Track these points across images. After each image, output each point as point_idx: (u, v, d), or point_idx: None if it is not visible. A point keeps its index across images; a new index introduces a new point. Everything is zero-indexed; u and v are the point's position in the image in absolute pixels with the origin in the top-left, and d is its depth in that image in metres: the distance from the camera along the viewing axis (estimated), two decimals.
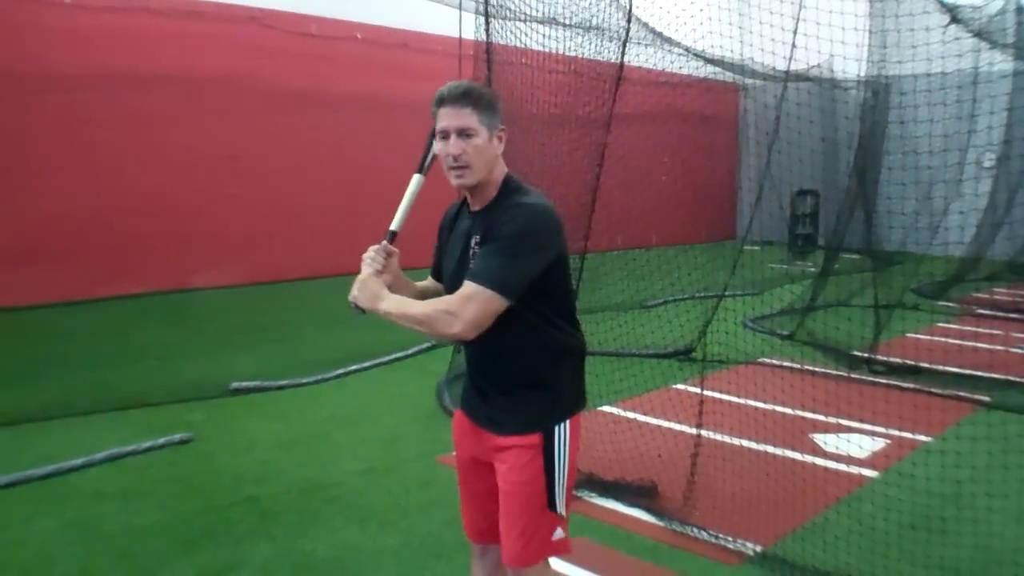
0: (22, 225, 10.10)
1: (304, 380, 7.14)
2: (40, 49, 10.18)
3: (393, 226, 2.69)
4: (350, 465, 5.34)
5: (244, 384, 6.89)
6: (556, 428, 2.52)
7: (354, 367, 7.54)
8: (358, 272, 2.59)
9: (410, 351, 8.02)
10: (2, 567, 3.96)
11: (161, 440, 5.58)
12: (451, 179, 2.50)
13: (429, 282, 2.86)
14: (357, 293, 2.54)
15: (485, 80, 6.83)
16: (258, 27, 12.12)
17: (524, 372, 2.53)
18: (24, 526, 4.40)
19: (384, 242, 2.68)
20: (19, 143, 10.09)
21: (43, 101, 10.22)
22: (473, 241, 2.50)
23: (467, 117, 2.42)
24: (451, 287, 2.50)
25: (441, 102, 2.45)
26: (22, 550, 4.13)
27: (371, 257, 2.63)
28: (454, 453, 2.83)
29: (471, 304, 2.34)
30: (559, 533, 2.55)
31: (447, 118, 2.44)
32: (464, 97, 2.43)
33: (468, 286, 2.35)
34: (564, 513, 2.55)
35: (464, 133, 2.42)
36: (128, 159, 11.00)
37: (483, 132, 2.44)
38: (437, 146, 2.50)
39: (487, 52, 6.82)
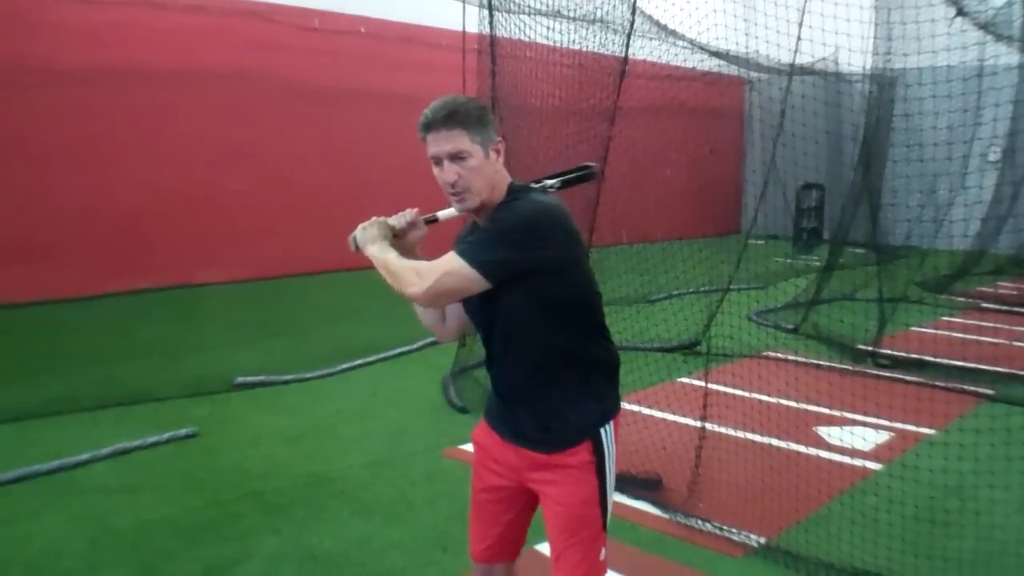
0: (26, 221, 10.11)
1: (309, 375, 7.15)
2: (43, 44, 10.18)
3: (440, 214, 2.55)
4: (355, 459, 5.35)
5: (249, 379, 6.90)
6: (602, 432, 2.42)
7: (359, 361, 7.55)
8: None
9: (415, 345, 8.03)
10: (9, 562, 3.98)
11: (167, 435, 5.60)
12: (453, 204, 2.39)
13: None
14: (359, 231, 2.47)
15: (489, 73, 6.83)
16: (261, 21, 12.12)
17: (563, 391, 2.40)
18: (31, 521, 4.42)
19: (416, 212, 2.58)
20: (23, 138, 10.09)
21: (46, 96, 10.22)
22: None
23: (457, 139, 2.27)
24: (472, 311, 2.50)
25: (428, 127, 2.30)
26: (29, 544, 4.15)
27: (401, 214, 2.54)
28: (473, 482, 2.67)
29: (444, 275, 2.25)
30: (603, 553, 2.44)
31: (436, 143, 2.29)
32: (450, 118, 2.27)
33: (449, 257, 2.28)
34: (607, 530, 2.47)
35: (457, 157, 2.28)
36: (132, 154, 11.00)
37: (478, 151, 2.29)
38: (435, 170, 2.35)
39: (491, 46, 6.82)
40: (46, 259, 10.21)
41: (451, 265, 2.26)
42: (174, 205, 11.38)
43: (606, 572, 2.45)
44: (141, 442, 5.46)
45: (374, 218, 2.49)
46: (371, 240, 2.44)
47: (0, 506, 4.60)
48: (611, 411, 2.48)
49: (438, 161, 2.31)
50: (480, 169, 2.30)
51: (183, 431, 5.69)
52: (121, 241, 10.93)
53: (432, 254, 2.41)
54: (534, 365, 2.40)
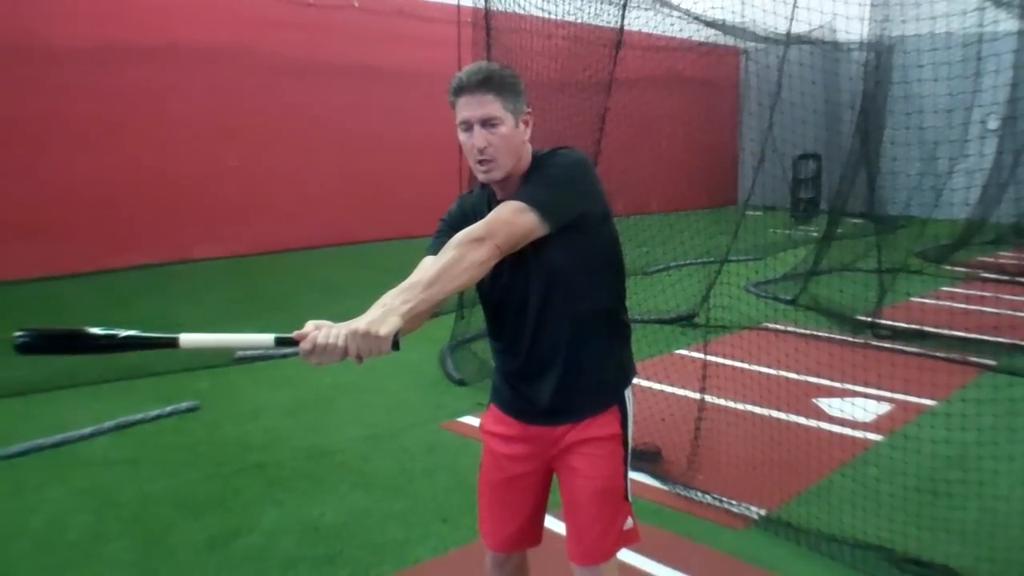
0: (26, 199, 10.13)
1: None
2: (38, 22, 10.15)
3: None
4: (355, 431, 5.37)
5: (249, 352, 6.90)
6: (626, 397, 2.41)
7: None
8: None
9: None
10: (15, 534, 4.00)
11: (168, 408, 5.63)
12: (477, 174, 2.26)
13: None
14: (357, 352, 1.90)
15: (484, 46, 6.79)
16: None
17: (594, 355, 2.34)
18: (36, 494, 4.44)
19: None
20: (19, 117, 10.09)
21: (44, 75, 10.22)
22: None
23: (490, 104, 2.18)
24: (495, 286, 2.31)
25: (460, 90, 2.20)
26: (34, 517, 4.17)
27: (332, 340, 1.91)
28: (486, 473, 2.55)
29: (507, 224, 2.08)
30: (629, 522, 2.41)
31: (468, 107, 2.19)
32: (485, 83, 2.18)
33: (504, 207, 2.13)
34: (630, 498, 2.44)
35: (489, 123, 2.18)
36: (128, 131, 11.01)
37: (509, 119, 2.20)
38: (461, 137, 2.24)
39: (486, 18, 6.78)
40: (46, 236, 10.23)
41: (511, 213, 2.11)
42: (171, 182, 11.40)
43: (626, 544, 2.43)
44: (143, 416, 5.49)
45: (342, 331, 1.90)
46: (378, 327, 1.88)
47: (6, 479, 4.63)
48: (631, 378, 2.48)
49: (468, 126, 2.21)
50: (510, 138, 2.22)
51: (184, 405, 5.72)
52: (120, 218, 10.95)
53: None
54: (571, 327, 2.30)
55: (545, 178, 2.21)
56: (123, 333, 1.89)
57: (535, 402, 2.38)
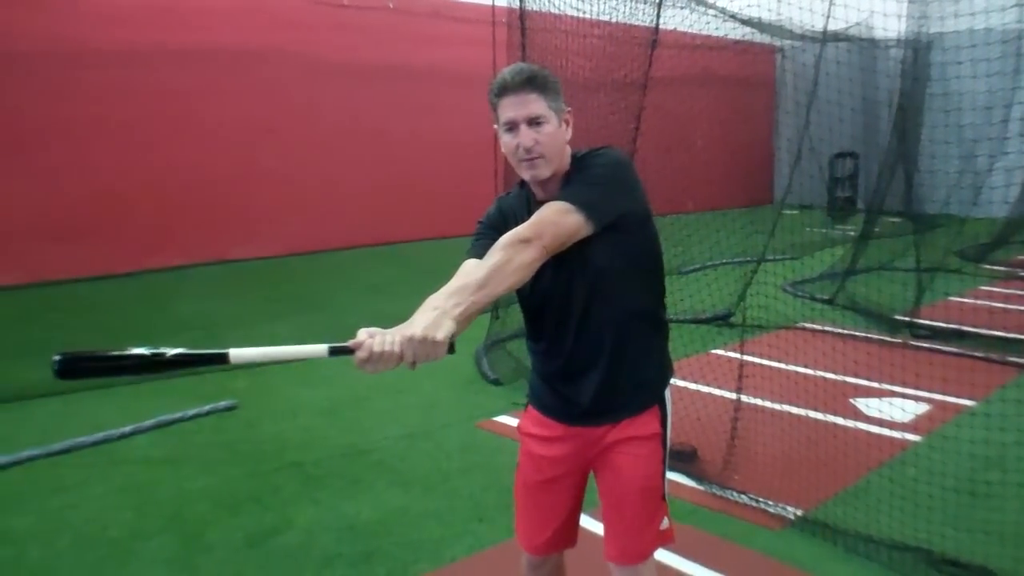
0: (66, 201, 10.30)
1: None
2: (77, 25, 10.29)
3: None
4: (391, 430, 5.40)
5: None
6: (665, 397, 2.45)
7: None
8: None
9: None
10: (57, 530, 4.07)
11: (207, 407, 5.69)
12: (523, 173, 2.27)
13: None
14: (413, 358, 1.86)
15: (519, 46, 6.80)
16: None
17: (637, 355, 2.35)
18: (77, 491, 4.51)
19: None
20: (58, 120, 10.24)
21: (84, 77, 10.37)
22: None
23: (534, 103, 2.19)
24: (537, 286, 2.26)
25: (503, 90, 2.21)
26: (76, 514, 4.24)
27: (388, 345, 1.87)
28: (524, 475, 2.54)
29: (554, 224, 2.09)
30: (665, 522, 2.42)
31: (513, 107, 2.20)
32: (529, 83, 2.19)
33: (550, 207, 2.13)
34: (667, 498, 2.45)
35: (534, 121, 2.19)
36: (166, 133, 11.14)
37: (552, 118, 2.22)
38: (505, 138, 2.24)
39: (521, 18, 6.79)
40: (85, 237, 10.38)
41: (557, 214, 2.12)
42: (209, 183, 11.51)
43: (662, 544, 2.43)
44: (182, 415, 5.55)
45: (396, 338, 1.85)
46: (434, 331, 1.85)
47: (48, 477, 4.70)
48: (670, 377, 2.50)
49: (512, 126, 2.21)
50: (555, 136, 2.23)
51: (223, 404, 5.78)
52: (158, 219, 11.08)
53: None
54: (614, 328, 2.30)
55: (588, 178, 2.21)
56: (171, 352, 1.84)
57: (576, 403, 2.37)
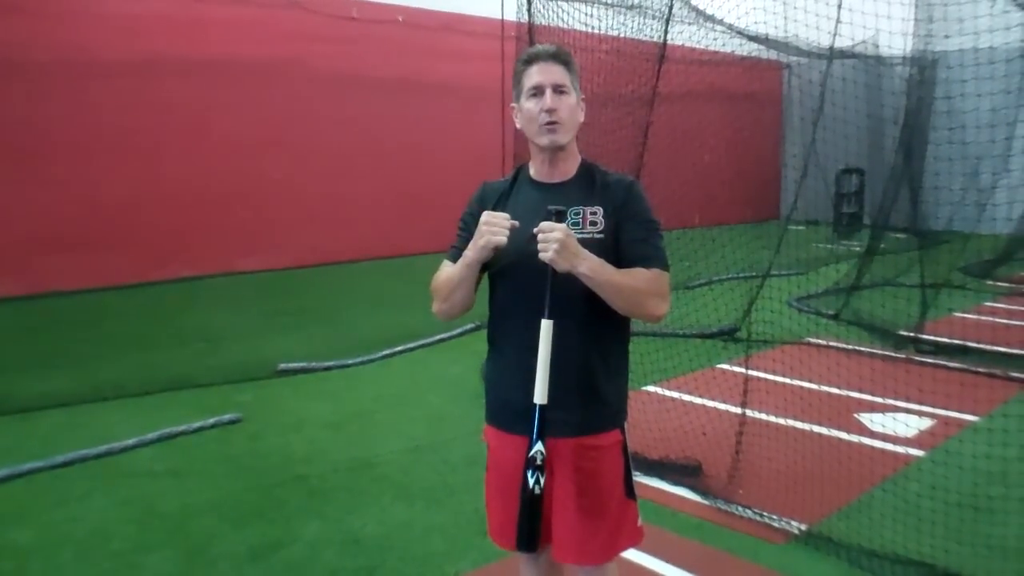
0: (73, 212, 10.32)
1: (350, 361, 7.22)
2: (87, 37, 10.36)
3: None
4: (396, 444, 5.41)
5: (291, 365, 6.98)
6: (625, 427, 2.49)
7: (399, 348, 7.62)
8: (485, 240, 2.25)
9: (454, 332, 8.07)
10: (60, 543, 4.08)
11: (211, 420, 5.70)
12: (542, 138, 2.35)
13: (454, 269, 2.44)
14: (555, 255, 2.14)
15: None
16: (300, 12, 12.20)
17: (607, 366, 2.40)
18: (80, 503, 4.52)
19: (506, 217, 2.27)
20: (65, 130, 10.28)
21: (91, 88, 10.41)
22: (573, 213, 2.31)
23: (560, 74, 2.36)
24: (526, 263, 2.26)
25: (533, 59, 2.39)
26: (79, 527, 4.24)
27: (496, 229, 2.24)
28: (494, 475, 2.71)
29: (665, 287, 2.33)
30: (635, 521, 2.50)
31: (541, 73, 2.36)
32: (556, 56, 2.38)
33: (652, 271, 2.30)
34: (636, 495, 2.50)
35: (559, 88, 2.35)
36: (172, 145, 11.18)
37: (573, 93, 2.39)
38: (528, 104, 2.36)
39: (529, 33, 6.81)
40: (92, 249, 10.42)
41: (661, 277, 2.33)
42: (215, 195, 11.55)
43: (630, 544, 2.50)
44: (186, 427, 5.56)
45: (553, 236, 2.16)
46: (575, 257, 2.18)
47: (51, 489, 4.71)
48: (626, 411, 2.53)
49: (539, 90, 2.35)
50: (574, 108, 2.39)
51: (227, 416, 5.79)
52: (165, 230, 11.11)
53: None
54: (590, 337, 2.35)
55: (654, 228, 2.38)
56: None
57: (550, 417, 2.30)
